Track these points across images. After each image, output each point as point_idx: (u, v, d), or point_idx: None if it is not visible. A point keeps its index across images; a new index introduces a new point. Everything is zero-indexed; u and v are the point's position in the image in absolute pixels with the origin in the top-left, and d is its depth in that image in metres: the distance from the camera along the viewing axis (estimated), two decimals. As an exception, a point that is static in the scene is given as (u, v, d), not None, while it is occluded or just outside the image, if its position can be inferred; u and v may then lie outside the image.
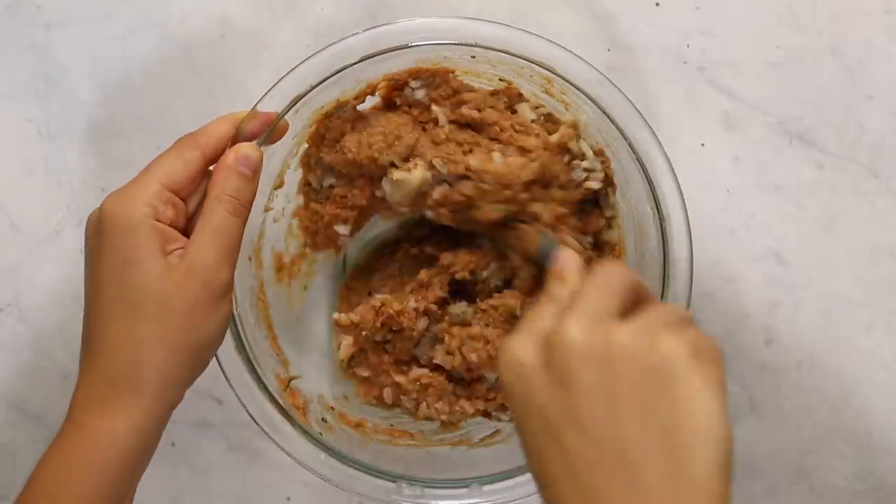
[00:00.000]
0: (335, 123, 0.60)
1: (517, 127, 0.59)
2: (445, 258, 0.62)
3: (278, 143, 0.57)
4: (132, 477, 0.51)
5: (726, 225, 0.68)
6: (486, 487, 0.58)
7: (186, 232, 0.51)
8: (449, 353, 0.61)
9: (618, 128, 0.57)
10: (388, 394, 0.64)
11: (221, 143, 0.53)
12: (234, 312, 0.57)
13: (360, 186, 0.61)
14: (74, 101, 0.69)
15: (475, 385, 0.63)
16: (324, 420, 0.62)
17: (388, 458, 0.61)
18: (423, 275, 0.62)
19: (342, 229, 0.63)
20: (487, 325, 0.61)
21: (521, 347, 0.43)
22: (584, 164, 0.59)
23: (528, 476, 0.58)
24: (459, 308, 0.62)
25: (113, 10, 0.69)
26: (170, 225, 0.50)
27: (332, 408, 0.63)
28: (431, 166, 0.59)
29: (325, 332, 0.67)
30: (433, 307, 0.62)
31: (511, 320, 0.61)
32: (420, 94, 0.61)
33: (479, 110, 0.60)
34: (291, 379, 0.62)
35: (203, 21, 0.69)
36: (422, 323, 0.62)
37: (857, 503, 0.68)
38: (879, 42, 0.68)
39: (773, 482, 0.68)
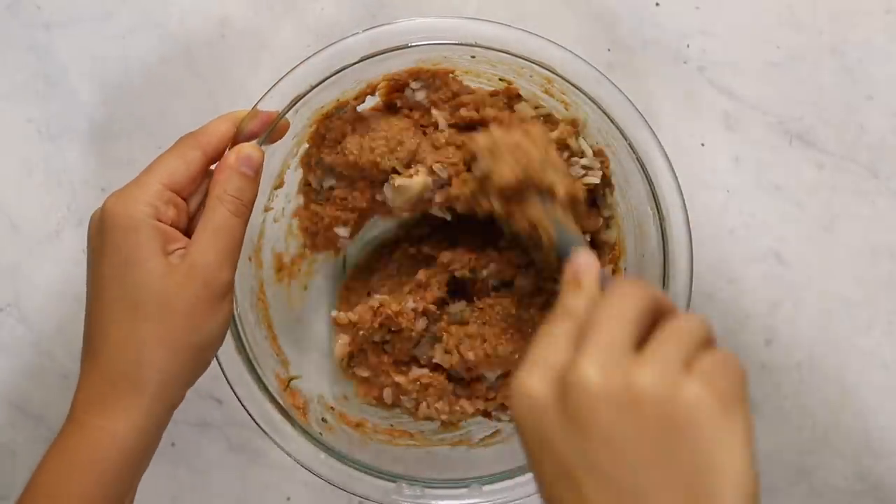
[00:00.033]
0: (336, 124, 0.60)
1: (518, 122, 0.59)
2: (444, 257, 0.62)
3: (278, 142, 0.57)
4: (133, 476, 0.51)
5: (726, 225, 0.68)
6: (486, 487, 0.58)
7: (188, 232, 0.51)
8: (447, 351, 0.61)
9: (618, 128, 0.57)
10: (387, 394, 0.64)
11: (222, 143, 0.53)
12: (234, 312, 0.57)
13: (360, 189, 0.61)
14: (74, 101, 0.69)
15: (475, 385, 0.63)
16: (324, 420, 0.62)
17: (388, 458, 0.61)
18: (422, 275, 0.62)
19: (342, 231, 0.62)
20: (485, 324, 0.61)
21: (536, 383, 0.40)
22: (583, 161, 0.59)
23: (528, 476, 0.58)
24: (458, 307, 0.62)
25: (113, 10, 0.69)
26: (171, 225, 0.50)
27: (332, 408, 0.63)
28: (432, 171, 0.59)
29: (325, 332, 0.67)
30: (432, 307, 0.62)
31: (508, 319, 0.61)
32: (420, 95, 0.61)
33: (478, 110, 0.60)
34: (291, 379, 0.62)
35: (203, 21, 0.69)
36: (420, 323, 0.62)
37: (857, 503, 0.68)
38: (879, 42, 0.68)
39: (773, 482, 0.68)
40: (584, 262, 0.45)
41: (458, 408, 0.63)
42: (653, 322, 0.41)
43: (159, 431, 0.51)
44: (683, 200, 0.57)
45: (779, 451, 0.68)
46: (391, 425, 0.64)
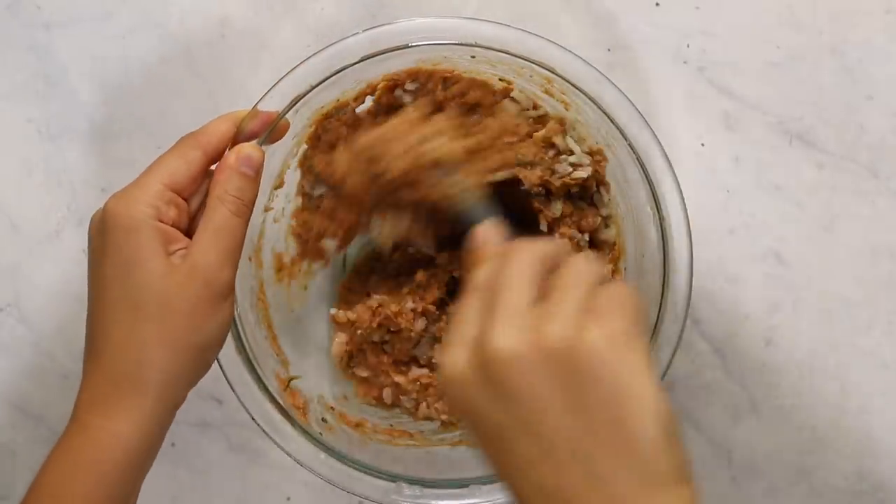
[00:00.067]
0: (333, 125, 0.60)
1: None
2: (442, 258, 0.62)
3: (278, 142, 0.57)
4: (136, 477, 0.51)
5: (726, 225, 0.68)
6: (486, 487, 0.58)
7: (189, 232, 0.51)
8: None
9: (618, 128, 0.57)
10: (387, 394, 0.64)
11: (222, 143, 0.53)
12: (235, 312, 0.57)
13: (347, 204, 0.61)
14: (74, 101, 0.69)
15: None
16: (324, 420, 0.62)
17: (388, 458, 0.61)
18: (420, 276, 0.62)
19: (329, 243, 0.62)
20: None
21: (457, 363, 0.42)
22: (571, 158, 0.59)
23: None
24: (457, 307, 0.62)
25: (113, 10, 0.69)
26: (172, 225, 0.50)
27: (332, 408, 0.63)
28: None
29: (325, 332, 0.67)
30: (431, 308, 0.62)
31: None
32: (408, 98, 0.61)
33: (464, 95, 0.60)
34: (291, 379, 0.62)
35: (203, 21, 0.69)
36: (420, 324, 0.62)
37: (856, 503, 0.68)
38: (879, 42, 0.68)
39: (773, 482, 0.68)
40: (481, 235, 0.47)
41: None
42: (551, 272, 0.44)
43: (162, 432, 0.51)
44: (683, 200, 0.57)
45: (779, 451, 0.68)
46: (391, 425, 0.64)
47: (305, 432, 0.58)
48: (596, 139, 0.60)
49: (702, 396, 0.68)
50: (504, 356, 0.41)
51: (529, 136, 0.60)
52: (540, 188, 0.60)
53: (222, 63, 0.69)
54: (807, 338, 0.68)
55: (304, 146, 0.62)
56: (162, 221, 0.50)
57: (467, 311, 0.43)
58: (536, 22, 0.67)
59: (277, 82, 0.56)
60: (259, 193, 0.54)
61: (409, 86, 0.61)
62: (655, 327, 0.58)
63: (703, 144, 0.68)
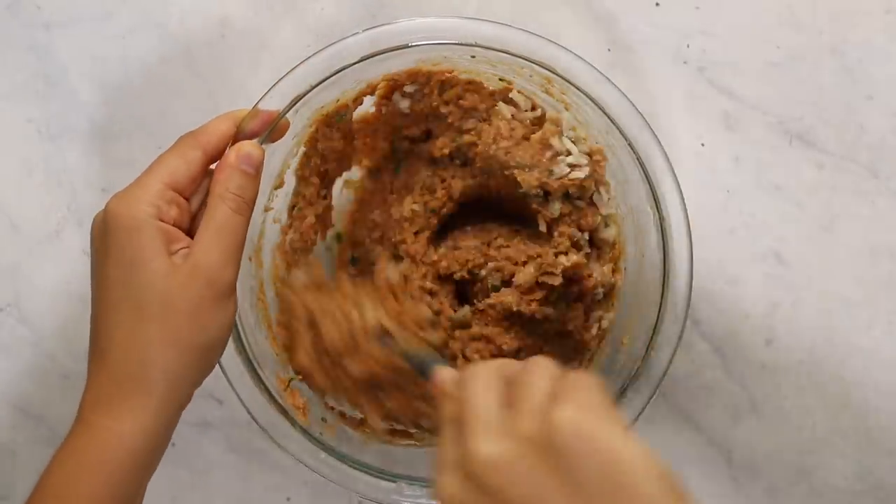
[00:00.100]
0: (330, 133, 0.61)
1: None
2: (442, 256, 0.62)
3: (278, 142, 0.57)
4: (142, 477, 0.51)
5: (726, 225, 0.68)
6: (486, 487, 0.58)
7: (190, 231, 0.51)
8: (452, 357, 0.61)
9: (618, 128, 0.57)
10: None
11: (222, 142, 0.53)
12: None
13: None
14: (74, 101, 0.69)
15: None
16: (324, 420, 0.62)
17: (389, 459, 0.61)
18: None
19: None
20: (487, 325, 0.61)
21: (449, 488, 0.43)
22: (569, 159, 0.59)
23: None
24: (461, 312, 0.62)
25: (113, 10, 0.69)
26: (174, 224, 0.50)
27: (332, 408, 0.63)
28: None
29: (325, 332, 0.67)
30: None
31: (510, 318, 0.61)
32: (405, 104, 0.61)
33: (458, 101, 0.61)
34: (291, 379, 0.62)
35: (203, 21, 0.69)
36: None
37: (857, 503, 0.68)
38: (879, 42, 0.68)
39: (773, 482, 0.68)
40: (440, 377, 0.48)
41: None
42: (511, 384, 0.44)
43: (167, 432, 0.51)
44: (683, 200, 0.57)
45: (779, 451, 0.68)
46: (391, 425, 0.64)
47: (305, 432, 0.58)
48: (596, 139, 0.60)
49: (702, 396, 0.68)
50: (489, 462, 0.41)
51: (526, 138, 0.60)
52: (538, 190, 0.60)
53: (222, 63, 0.69)
54: (807, 338, 0.68)
55: (303, 148, 0.62)
56: (163, 221, 0.50)
57: (445, 442, 0.44)
58: (536, 22, 0.67)
59: (277, 82, 0.56)
60: (259, 193, 0.54)
61: (409, 88, 0.61)
62: (655, 327, 0.58)
63: (703, 144, 0.68)
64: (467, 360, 0.61)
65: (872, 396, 0.68)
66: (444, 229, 0.64)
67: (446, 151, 0.62)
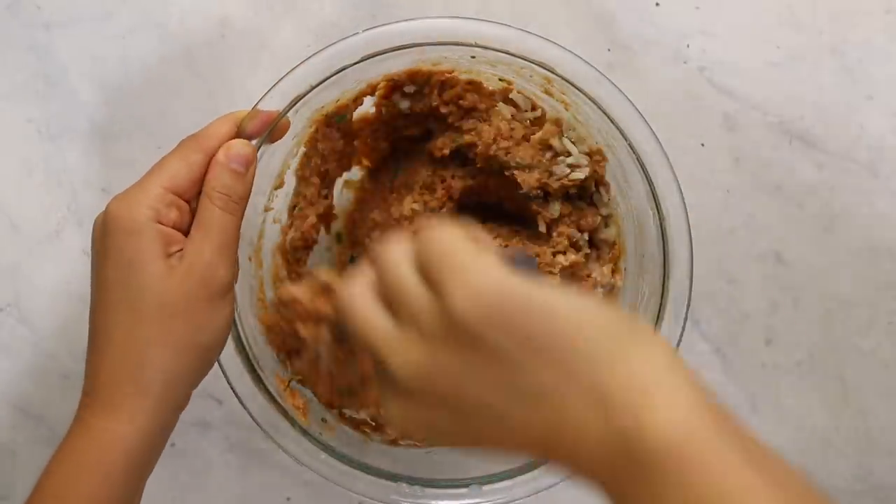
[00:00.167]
0: (330, 134, 0.61)
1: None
2: None
3: (279, 142, 0.57)
4: (139, 478, 0.51)
5: (726, 225, 0.68)
6: (486, 487, 0.58)
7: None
8: None
9: (618, 128, 0.57)
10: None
11: (223, 144, 0.53)
12: (235, 312, 0.57)
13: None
14: (74, 101, 0.69)
15: None
16: (324, 420, 0.62)
17: (388, 458, 0.61)
18: None
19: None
20: None
21: (400, 416, 0.42)
22: (569, 160, 0.59)
23: (527, 476, 0.58)
24: None
25: (113, 10, 0.69)
26: (173, 227, 0.51)
27: (331, 407, 0.63)
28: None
29: (325, 332, 0.67)
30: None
31: None
32: (405, 104, 0.62)
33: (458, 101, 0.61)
34: (291, 379, 0.62)
35: (203, 21, 0.69)
36: None
37: (857, 503, 0.68)
38: (879, 42, 0.68)
39: (773, 482, 0.68)
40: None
41: None
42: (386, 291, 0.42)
43: (165, 433, 0.51)
44: (683, 200, 0.57)
45: (779, 451, 0.68)
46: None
47: (305, 432, 0.58)
48: (596, 139, 0.60)
49: (702, 396, 0.68)
50: (412, 380, 0.40)
51: (526, 139, 0.60)
52: (538, 190, 0.60)
53: (222, 63, 0.69)
54: (806, 338, 0.68)
55: (303, 148, 0.62)
56: (163, 223, 0.50)
57: (382, 388, 0.43)
58: (536, 22, 0.67)
59: (277, 82, 0.56)
60: (259, 194, 0.54)
61: (408, 89, 0.61)
62: (655, 327, 0.58)
63: (703, 144, 0.68)
64: None
65: (872, 396, 0.68)
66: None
67: (446, 151, 0.62)
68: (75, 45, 0.69)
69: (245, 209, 0.53)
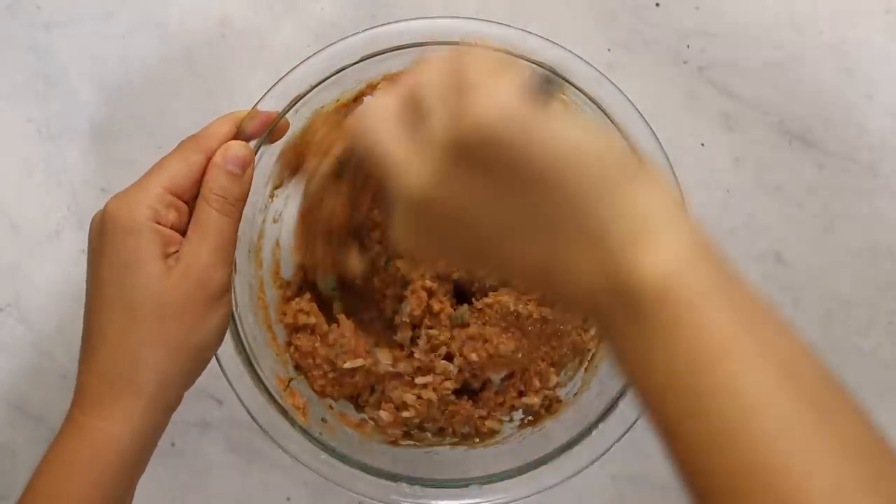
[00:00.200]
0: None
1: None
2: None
3: (279, 143, 0.57)
4: (131, 478, 0.51)
5: (726, 225, 0.68)
6: (486, 487, 0.58)
7: None
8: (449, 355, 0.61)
9: (618, 127, 0.57)
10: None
11: (223, 144, 0.53)
12: (234, 312, 0.57)
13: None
14: (74, 101, 0.69)
15: (484, 393, 0.63)
16: (324, 420, 0.62)
17: (388, 458, 0.61)
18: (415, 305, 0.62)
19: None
20: (485, 324, 0.61)
21: (405, 234, 0.42)
22: None
23: (527, 476, 0.58)
24: (460, 311, 0.62)
25: (113, 10, 0.69)
26: (172, 228, 0.50)
27: (331, 407, 0.63)
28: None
29: (325, 332, 0.67)
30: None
31: (507, 318, 0.60)
32: None
33: None
34: (291, 379, 0.62)
35: (203, 21, 0.69)
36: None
37: (857, 503, 0.68)
38: (879, 42, 0.68)
39: (773, 482, 0.68)
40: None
41: (484, 429, 0.63)
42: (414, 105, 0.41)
43: (157, 433, 0.51)
44: (683, 200, 0.57)
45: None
46: (391, 425, 0.64)
47: (305, 432, 0.58)
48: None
49: (702, 396, 0.68)
50: (419, 197, 0.40)
51: None
52: None
53: (222, 63, 0.69)
54: (807, 338, 0.68)
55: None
56: (161, 224, 0.50)
57: (395, 207, 0.42)
58: (536, 22, 0.66)
59: (277, 82, 0.56)
60: (259, 193, 0.54)
61: None
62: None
63: (703, 144, 0.68)
64: (465, 358, 0.61)
65: (872, 397, 0.68)
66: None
67: None
68: (75, 45, 0.69)
69: (243, 211, 0.53)
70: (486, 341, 0.60)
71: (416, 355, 0.61)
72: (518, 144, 0.37)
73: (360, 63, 0.57)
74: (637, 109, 0.57)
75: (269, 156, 0.58)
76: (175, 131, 0.54)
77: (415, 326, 0.62)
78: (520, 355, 0.61)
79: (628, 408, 0.58)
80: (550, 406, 0.64)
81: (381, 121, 0.42)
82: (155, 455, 0.52)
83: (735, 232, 0.68)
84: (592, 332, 0.63)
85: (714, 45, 0.68)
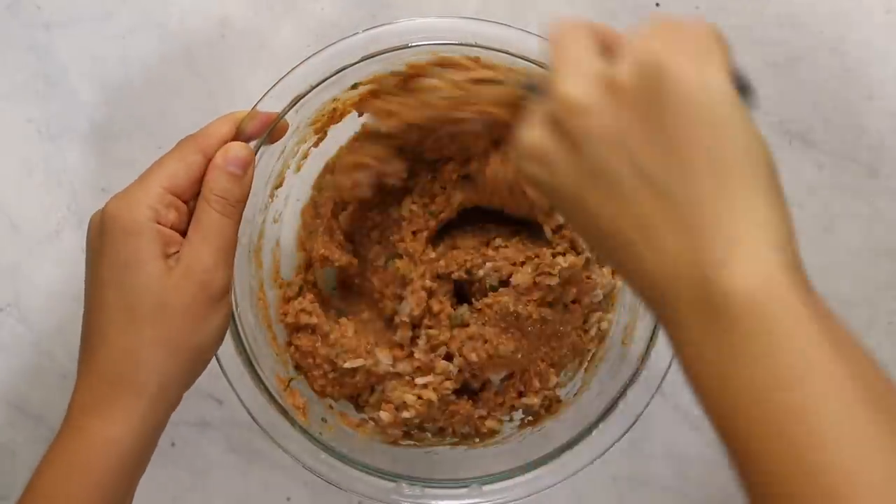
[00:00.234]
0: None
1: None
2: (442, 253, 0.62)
3: (279, 143, 0.57)
4: (131, 479, 0.51)
5: (726, 225, 0.68)
6: (486, 487, 0.58)
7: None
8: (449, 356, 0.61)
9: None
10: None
11: (222, 144, 0.53)
12: (234, 312, 0.57)
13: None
14: (74, 101, 0.69)
15: (484, 394, 0.63)
16: (324, 420, 0.62)
17: (388, 458, 0.61)
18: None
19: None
20: (485, 324, 0.61)
21: (532, 137, 0.42)
22: None
23: (527, 476, 0.58)
24: (460, 311, 0.62)
25: (113, 10, 0.69)
26: (172, 228, 0.50)
27: (331, 407, 0.63)
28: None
29: (325, 332, 0.67)
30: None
31: (507, 318, 0.60)
32: None
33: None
34: (291, 379, 0.62)
35: (203, 21, 0.69)
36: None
37: (857, 503, 0.68)
38: (879, 42, 0.68)
39: (773, 482, 0.68)
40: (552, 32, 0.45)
41: (484, 430, 0.63)
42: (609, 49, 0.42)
43: (156, 434, 0.51)
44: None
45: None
46: (391, 425, 0.64)
47: (305, 432, 0.58)
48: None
49: (702, 396, 0.68)
50: (573, 103, 0.40)
51: None
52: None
53: (222, 63, 0.69)
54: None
55: (313, 138, 0.61)
56: (161, 224, 0.50)
57: (534, 111, 0.43)
58: (536, 21, 0.66)
59: (277, 82, 0.56)
60: (259, 194, 0.53)
61: None
62: (655, 327, 0.58)
63: (703, 144, 0.68)
64: (464, 358, 0.61)
65: (872, 396, 0.68)
66: (446, 227, 0.64)
67: (455, 176, 0.62)
68: (75, 45, 0.69)
69: (243, 212, 0.53)
70: (485, 341, 0.60)
71: (416, 355, 0.61)
72: (684, 90, 0.38)
73: (360, 63, 0.57)
74: (637, 109, 0.57)
75: (269, 156, 0.58)
76: (175, 131, 0.54)
77: (414, 326, 0.62)
78: (519, 356, 0.61)
79: (628, 408, 0.58)
80: (550, 406, 0.64)
81: (583, 29, 0.42)
82: (155, 455, 0.52)
83: (735, 232, 0.68)
84: (593, 332, 0.63)
85: (714, 45, 0.68)
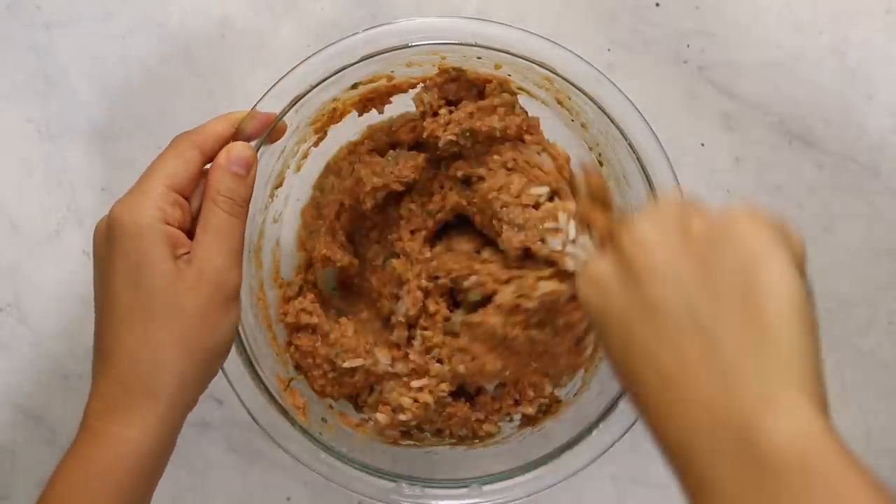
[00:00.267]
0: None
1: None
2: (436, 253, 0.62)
3: (279, 143, 0.57)
4: (150, 482, 0.50)
5: (726, 225, 0.68)
6: (486, 487, 0.58)
7: (191, 233, 0.51)
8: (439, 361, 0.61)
9: (618, 127, 0.57)
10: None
11: (218, 142, 0.53)
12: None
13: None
14: (74, 101, 0.69)
15: (480, 397, 0.63)
16: (324, 420, 0.62)
17: (388, 458, 0.61)
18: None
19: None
20: (474, 340, 0.59)
21: (597, 266, 0.44)
22: (569, 247, 0.57)
23: (527, 476, 0.58)
24: (452, 321, 0.61)
25: (113, 10, 0.69)
26: (178, 226, 0.50)
27: (331, 407, 0.63)
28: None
29: (325, 332, 0.67)
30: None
31: (494, 339, 0.58)
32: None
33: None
34: (291, 379, 0.62)
35: (203, 21, 0.69)
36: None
37: (857, 503, 0.68)
38: (879, 42, 0.68)
39: (773, 482, 0.68)
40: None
41: (482, 432, 0.63)
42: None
43: (175, 435, 0.51)
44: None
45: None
46: (391, 425, 0.64)
47: (305, 432, 0.58)
48: (596, 139, 0.60)
49: (702, 396, 0.68)
50: (639, 239, 0.43)
51: (536, 205, 0.58)
52: (517, 251, 0.58)
53: (222, 63, 0.69)
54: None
55: (313, 138, 0.61)
56: (168, 223, 0.50)
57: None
58: (536, 22, 0.67)
59: (277, 82, 0.56)
60: (259, 194, 0.54)
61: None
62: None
63: (703, 144, 0.68)
64: (452, 369, 0.60)
65: (872, 397, 0.68)
66: (446, 227, 0.64)
67: (459, 174, 0.61)
68: (75, 45, 0.69)
69: (248, 211, 0.53)
70: (473, 358, 0.59)
71: (411, 356, 0.61)
72: (749, 255, 0.40)
73: (360, 63, 0.57)
74: (637, 109, 0.57)
75: (269, 156, 0.58)
76: (175, 131, 0.54)
77: (410, 326, 0.62)
78: (507, 373, 0.60)
79: (628, 408, 0.58)
80: (550, 406, 0.64)
81: (690, 205, 0.44)
82: (155, 455, 0.52)
83: (735, 232, 0.68)
84: (587, 353, 0.61)
85: (714, 45, 0.68)
